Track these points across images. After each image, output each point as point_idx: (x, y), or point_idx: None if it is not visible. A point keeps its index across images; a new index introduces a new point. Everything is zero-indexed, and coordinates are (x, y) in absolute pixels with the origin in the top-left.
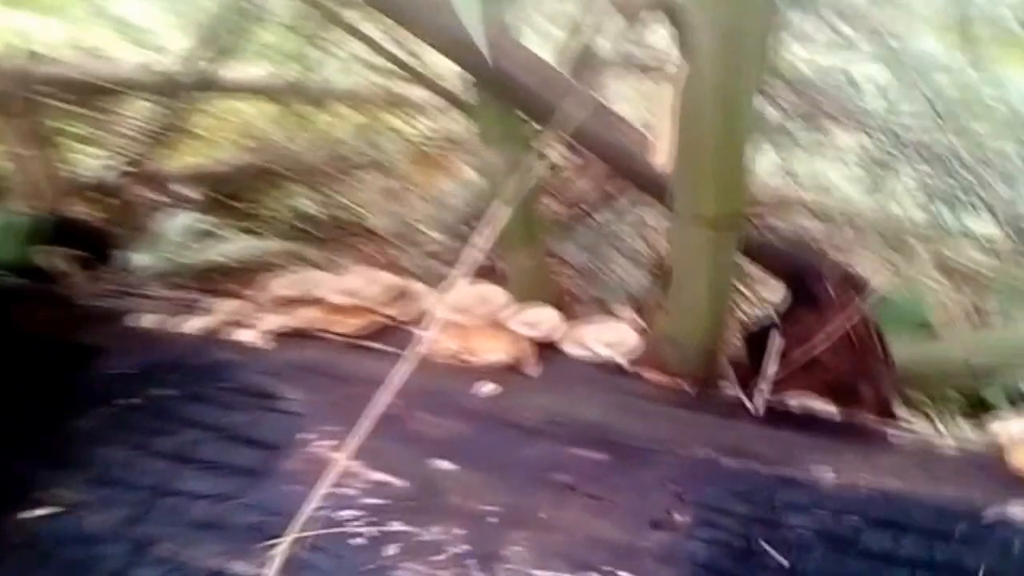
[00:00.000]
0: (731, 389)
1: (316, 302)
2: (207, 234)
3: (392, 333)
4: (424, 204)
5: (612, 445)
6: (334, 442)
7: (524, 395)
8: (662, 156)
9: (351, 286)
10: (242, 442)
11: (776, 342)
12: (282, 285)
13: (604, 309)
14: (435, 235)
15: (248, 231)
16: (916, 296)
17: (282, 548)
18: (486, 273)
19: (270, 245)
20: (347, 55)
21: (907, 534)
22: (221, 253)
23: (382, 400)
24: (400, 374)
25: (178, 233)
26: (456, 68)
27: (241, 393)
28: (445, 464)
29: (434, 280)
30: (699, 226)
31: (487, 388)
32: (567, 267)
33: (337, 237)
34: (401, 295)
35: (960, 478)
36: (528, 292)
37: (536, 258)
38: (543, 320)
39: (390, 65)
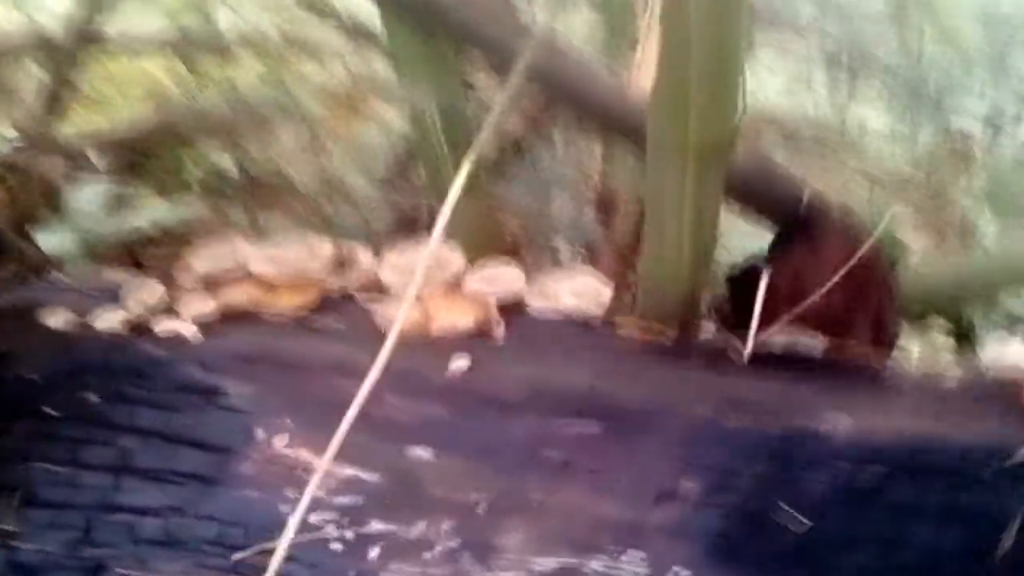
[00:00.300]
0: (713, 334)
1: (247, 278)
2: (121, 202)
3: (337, 306)
4: (346, 154)
5: (604, 412)
6: (289, 438)
7: (498, 366)
8: (646, 80)
9: (285, 256)
10: (187, 446)
11: (764, 281)
12: (205, 261)
13: (555, 257)
14: (362, 188)
15: (164, 195)
16: (888, 226)
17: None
18: (410, 224)
19: (190, 209)
20: None
21: (932, 482)
22: (138, 221)
23: (362, 392)
24: (382, 359)
25: (89, 204)
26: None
27: (178, 391)
28: (422, 452)
29: (370, 237)
30: (680, 157)
31: (459, 363)
32: (510, 213)
33: (258, 195)
34: (343, 262)
35: (978, 416)
36: (473, 243)
37: (480, 206)
38: (504, 277)
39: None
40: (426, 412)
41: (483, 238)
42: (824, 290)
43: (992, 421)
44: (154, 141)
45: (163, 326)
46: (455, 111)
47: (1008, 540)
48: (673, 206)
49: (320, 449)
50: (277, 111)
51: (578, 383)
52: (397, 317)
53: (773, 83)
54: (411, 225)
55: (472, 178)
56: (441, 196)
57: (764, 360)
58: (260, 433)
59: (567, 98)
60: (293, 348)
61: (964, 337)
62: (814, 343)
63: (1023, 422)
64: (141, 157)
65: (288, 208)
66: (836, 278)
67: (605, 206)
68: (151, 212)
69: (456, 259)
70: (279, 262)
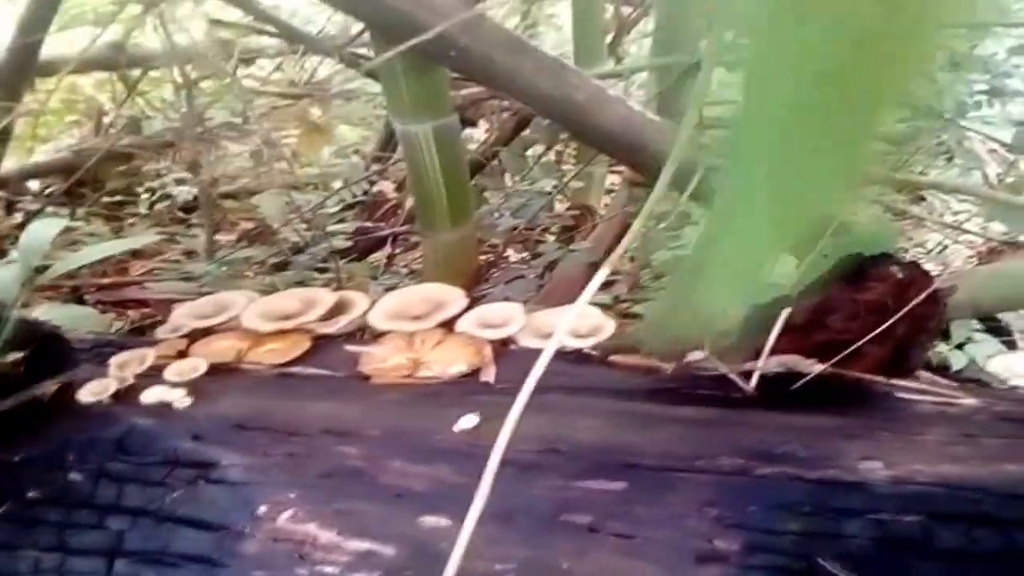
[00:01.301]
0: (708, 364)
1: (232, 330)
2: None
3: (321, 352)
4: (308, 173)
5: (627, 470)
6: (293, 511)
7: (503, 418)
8: None
9: (275, 307)
10: (184, 525)
11: (783, 315)
12: (188, 316)
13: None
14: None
15: (112, 223)
16: (883, 227)
17: None
18: (374, 247)
19: (141, 239)
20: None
21: (980, 526)
22: (90, 257)
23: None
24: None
25: (37, 241)
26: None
27: (168, 465)
28: (437, 520)
29: (331, 261)
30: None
31: (466, 420)
32: (489, 238)
33: (213, 220)
34: (335, 307)
35: (1014, 450)
36: (443, 269)
37: (463, 233)
38: (502, 317)
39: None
40: (436, 476)
41: (454, 262)
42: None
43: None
44: (102, 165)
45: (149, 394)
46: (448, 135)
47: None
48: None
49: (327, 522)
50: (231, 130)
51: (592, 436)
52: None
53: None
54: (375, 249)
55: (461, 207)
56: (432, 221)
57: (768, 393)
58: (261, 508)
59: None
60: (283, 407)
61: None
62: (810, 367)
63: None
64: (89, 183)
65: (245, 234)
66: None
67: (578, 222)
68: (103, 247)
69: (456, 299)
70: (269, 313)
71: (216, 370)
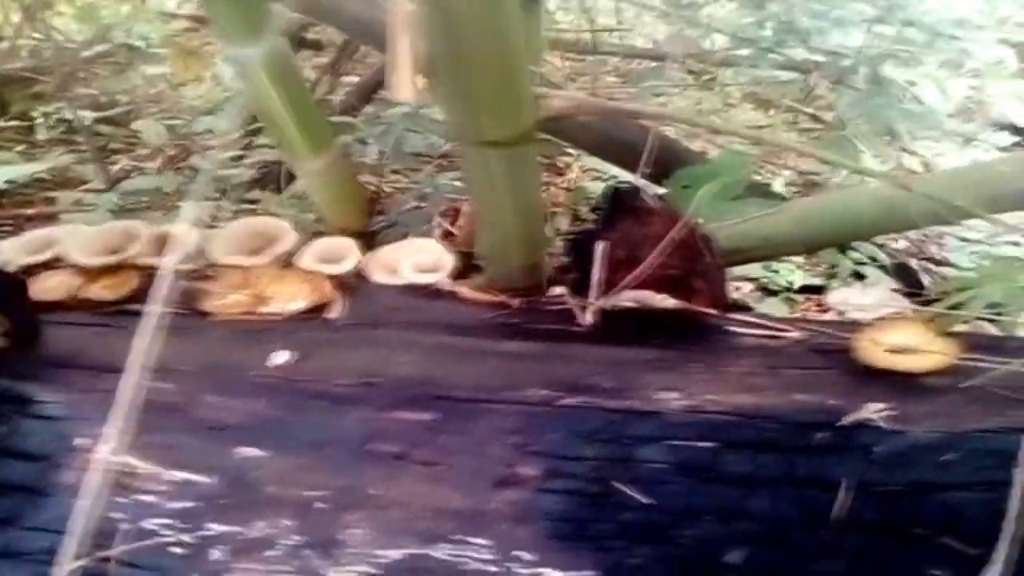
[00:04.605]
0: (559, 302)
1: (64, 266)
2: None
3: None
4: (187, 103)
5: (437, 401)
6: (111, 444)
7: (327, 353)
8: (404, 88)
9: (105, 241)
10: (7, 457)
11: (601, 248)
12: (19, 253)
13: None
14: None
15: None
16: (739, 157)
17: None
18: (267, 178)
19: (42, 165)
20: None
21: (765, 453)
22: None
23: (129, 382)
24: (143, 349)
25: None
26: None
27: None
28: (252, 451)
29: (227, 192)
30: (480, 149)
31: (281, 357)
32: (365, 168)
33: (104, 146)
34: (167, 241)
35: (810, 380)
36: (330, 200)
37: (329, 162)
38: (341, 253)
39: None
40: (251, 410)
41: (338, 193)
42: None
43: (824, 385)
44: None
45: None
46: (279, 59)
47: (840, 505)
48: (486, 188)
49: (145, 454)
50: (118, 54)
51: (410, 370)
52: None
53: None
54: (268, 179)
55: (315, 135)
56: (290, 149)
57: (608, 327)
58: (79, 441)
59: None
60: (107, 346)
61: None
62: (664, 301)
63: (854, 383)
64: None
65: (141, 159)
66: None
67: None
68: (5, 171)
69: (289, 234)
70: (98, 248)
71: (48, 307)
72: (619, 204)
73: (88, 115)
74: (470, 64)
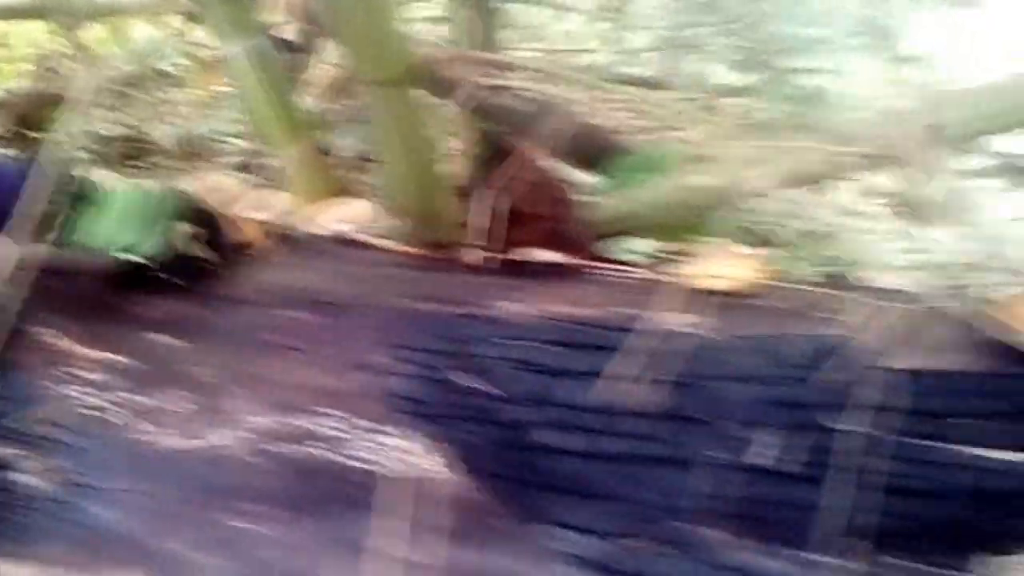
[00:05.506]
0: (465, 252)
1: None
2: None
3: None
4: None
5: (317, 305)
6: (54, 330)
7: (244, 273)
8: None
9: None
10: None
11: (482, 196)
12: None
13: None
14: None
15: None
16: (661, 149)
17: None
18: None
19: None
20: None
21: (577, 351)
22: None
23: None
24: None
25: None
26: None
27: None
28: (163, 338)
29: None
30: (371, 86)
31: None
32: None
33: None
34: None
35: (634, 298)
36: (306, 187)
37: (304, 152)
38: (273, 203)
39: None
40: (170, 308)
41: (314, 181)
42: (516, 202)
43: (643, 302)
44: (36, 108)
45: None
46: (263, 54)
47: (633, 394)
48: (379, 131)
49: (79, 339)
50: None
51: (304, 283)
52: None
53: None
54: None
55: (292, 126)
56: (270, 138)
57: (494, 268)
58: (27, 327)
59: None
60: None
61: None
62: (549, 255)
63: (674, 297)
64: (25, 123)
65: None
66: (520, 193)
67: None
68: None
69: (231, 185)
70: None
71: None
72: (494, 152)
73: (106, 128)
74: (340, 5)
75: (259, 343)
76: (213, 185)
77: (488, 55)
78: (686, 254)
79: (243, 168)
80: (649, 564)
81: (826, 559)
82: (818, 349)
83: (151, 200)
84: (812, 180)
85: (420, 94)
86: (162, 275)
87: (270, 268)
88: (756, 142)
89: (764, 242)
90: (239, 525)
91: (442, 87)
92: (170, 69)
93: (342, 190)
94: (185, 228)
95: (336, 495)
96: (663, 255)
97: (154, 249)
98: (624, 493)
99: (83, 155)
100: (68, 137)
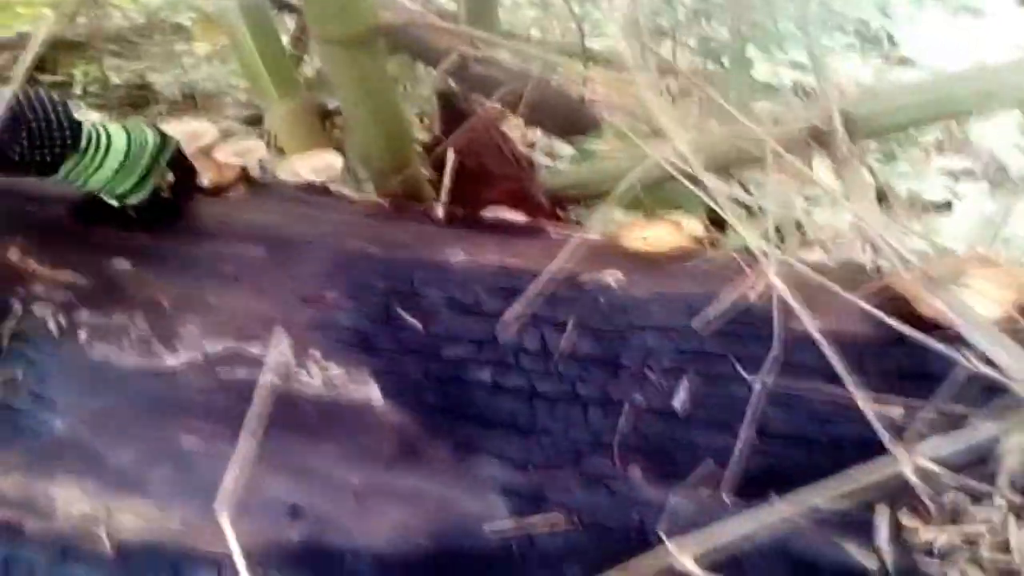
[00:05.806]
0: (426, 206)
1: None
2: None
3: None
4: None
5: (274, 242)
6: (20, 252)
7: (215, 213)
8: None
9: None
10: None
11: (445, 155)
12: None
13: None
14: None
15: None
16: (622, 124)
17: None
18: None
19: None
20: None
21: (516, 297)
22: None
23: None
24: None
25: None
26: None
27: None
28: (123, 263)
29: None
30: (333, 47)
31: None
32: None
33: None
34: None
35: (581, 257)
36: (290, 139)
37: (291, 105)
38: (251, 150)
39: None
40: (134, 238)
41: (302, 135)
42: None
43: (583, 258)
44: (53, 51)
45: None
46: (261, 19)
47: (566, 340)
48: (345, 90)
49: (44, 261)
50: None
51: (264, 222)
52: None
53: None
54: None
55: (284, 81)
56: (261, 91)
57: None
58: None
59: None
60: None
61: None
62: (516, 217)
63: (607, 258)
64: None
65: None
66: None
67: None
68: None
69: (210, 132)
70: None
71: None
72: (460, 113)
73: (115, 75)
74: None
75: (217, 274)
76: (200, 130)
77: (458, 27)
78: (636, 223)
79: (237, 118)
80: (572, 495)
81: (723, 497)
82: (735, 308)
83: (147, 148)
84: (740, 162)
85: (382, 53)
86: (131, 212)
87: (236, 208)
88: (706, 124)
89: (710, 215)
90: (187, 442)
91: (411, 49)
92: (181, 21)
93: (325, 143)
94: (169, 176)
95: (281, 419)
96: (617, 221)
97: (145, 196)
98: (554, 429)
99: (89, 99)
100: (77, 81)
